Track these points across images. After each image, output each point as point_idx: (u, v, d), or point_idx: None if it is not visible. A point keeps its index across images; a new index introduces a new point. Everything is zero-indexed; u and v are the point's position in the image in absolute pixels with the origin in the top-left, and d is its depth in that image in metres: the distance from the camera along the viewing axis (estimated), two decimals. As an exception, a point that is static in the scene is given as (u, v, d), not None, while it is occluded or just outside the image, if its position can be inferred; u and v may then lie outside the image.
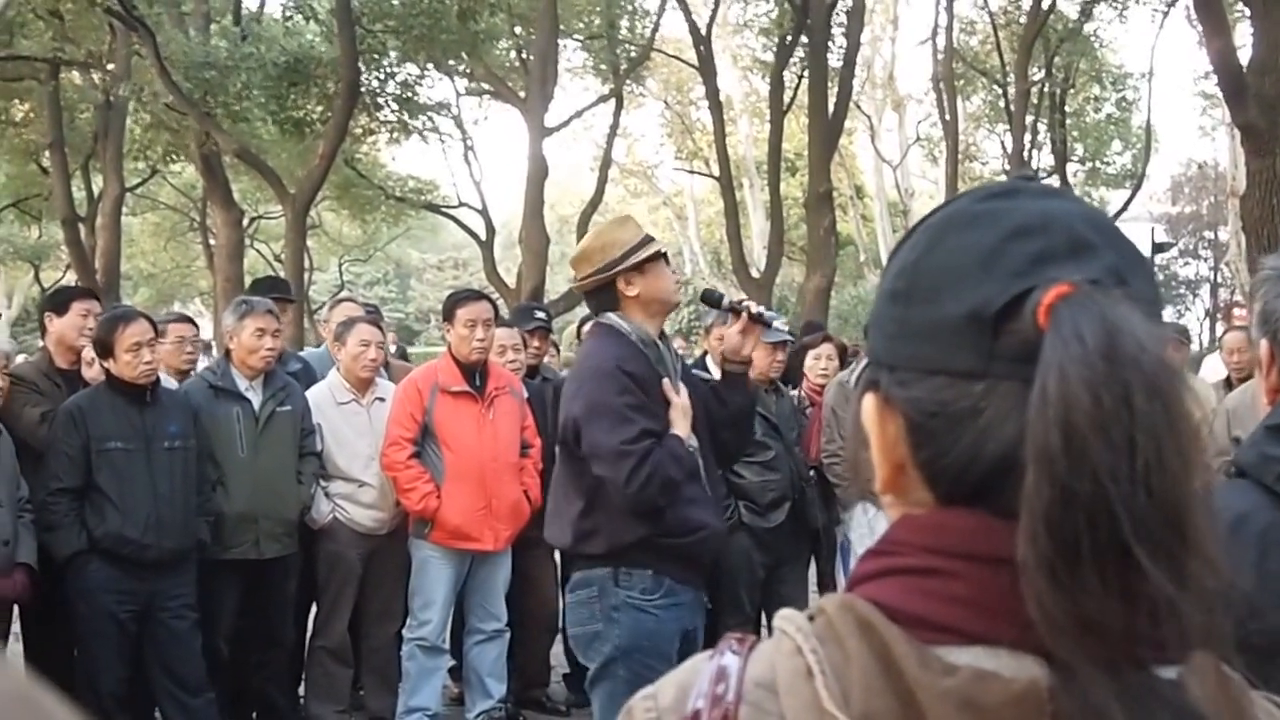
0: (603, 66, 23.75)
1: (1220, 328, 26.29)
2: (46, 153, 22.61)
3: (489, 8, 19.16)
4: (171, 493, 5.17)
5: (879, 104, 34.49)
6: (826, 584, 6.74)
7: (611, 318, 3.90)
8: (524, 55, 22.04)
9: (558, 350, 8.69)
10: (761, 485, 5.82)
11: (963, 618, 0.79)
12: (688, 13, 21.41)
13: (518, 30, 21.81)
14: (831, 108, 17.98)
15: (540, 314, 7.08)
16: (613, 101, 23.09)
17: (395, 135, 23.26)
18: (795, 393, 6.64)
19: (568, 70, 24.67)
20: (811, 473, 6.25)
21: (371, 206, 27.39)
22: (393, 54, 19.92)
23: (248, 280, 15.78)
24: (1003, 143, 28.90)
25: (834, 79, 18.25)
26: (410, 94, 21.64)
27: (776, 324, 4.16)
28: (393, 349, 9.58)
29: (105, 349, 5.13)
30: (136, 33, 17.03)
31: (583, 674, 6.35)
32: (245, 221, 22.82)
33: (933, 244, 0.87)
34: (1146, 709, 0.76)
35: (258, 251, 31.99)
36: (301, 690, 6.10)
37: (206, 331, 14.50)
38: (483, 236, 23.03)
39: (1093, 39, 25.68)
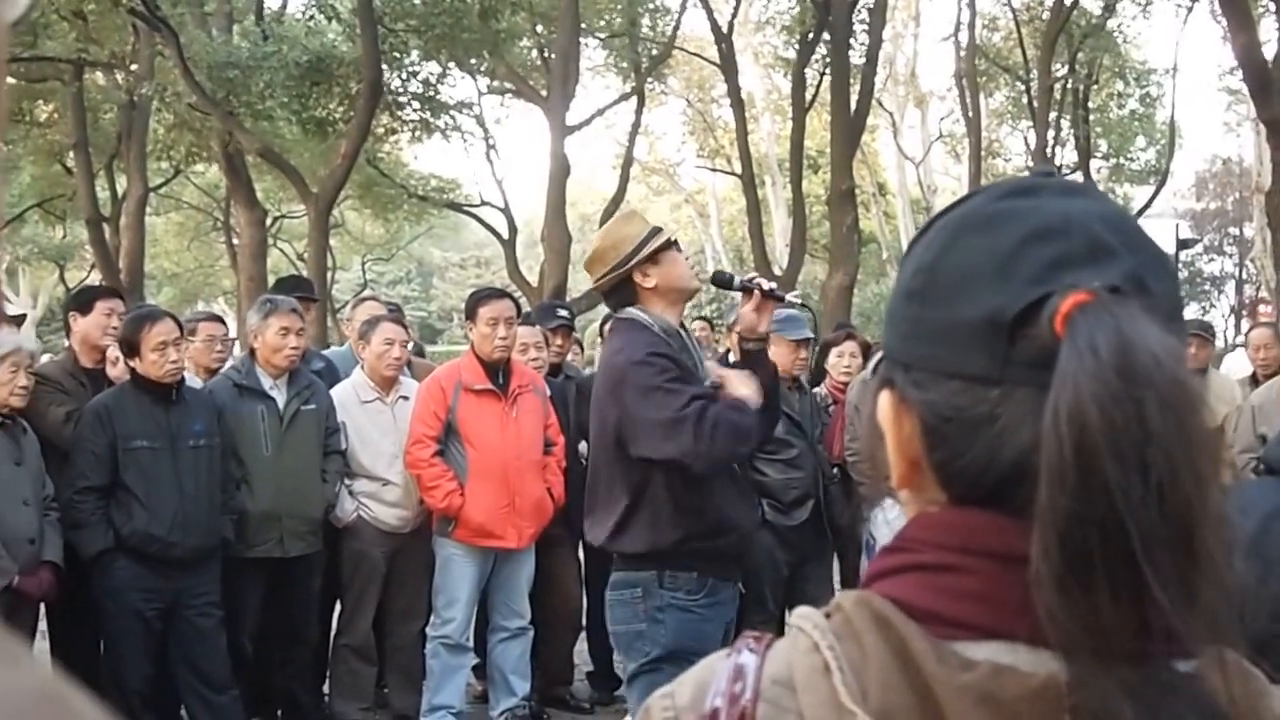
0: (624, 64, 23.80)
1: (1245, 324, 26.21)
2: (71, 153, 22.81)
3: (510, 6, 19.20)
4: (197, 491, 5.19)
5: (901, 101, 34.47)
6: (851, 582, 6.71)
7: (632, 311, 3.90)
8: (545, 54, 22.03)
9: (580, 348, 8.68)
10: (784, 483, 5.81)
11: (979, 613, 0.79)
12: (709, 10, 21.42)
13: (539, 29, 21.81)
14: (854, 105, 17.90)
15: (563, 312, 7.07)
16: (634, 99, 23.08)
17: (417, 134, 23.23)
18: (818, 390, 6.63)
19: (589, 68, 24.72)
20: (835, 470, 6.24)
21: (394, 205, 27.47)
22: (415, 53, 19.98)
23: (271, 279, 15.86)
24: (1026, 139, 28.82)
25: (856, 76, 18.17)
26: (432, 93, 21.66)
27: (789, 297, 4.15)
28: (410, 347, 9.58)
29: (131, 348, 5.15)
30: (159, 33, 17.12)
31: (607, 672, 6.43)
32: (268, 221, 22.92)
33: (949, 244, 0.86)
34: (1164, 702, 0.75)
35: (281, 251, 32.10)
36: (326, 688, 6.11)
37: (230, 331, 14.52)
38: (505, 235, 23.09)
39: (1116, 34, 25.59)
